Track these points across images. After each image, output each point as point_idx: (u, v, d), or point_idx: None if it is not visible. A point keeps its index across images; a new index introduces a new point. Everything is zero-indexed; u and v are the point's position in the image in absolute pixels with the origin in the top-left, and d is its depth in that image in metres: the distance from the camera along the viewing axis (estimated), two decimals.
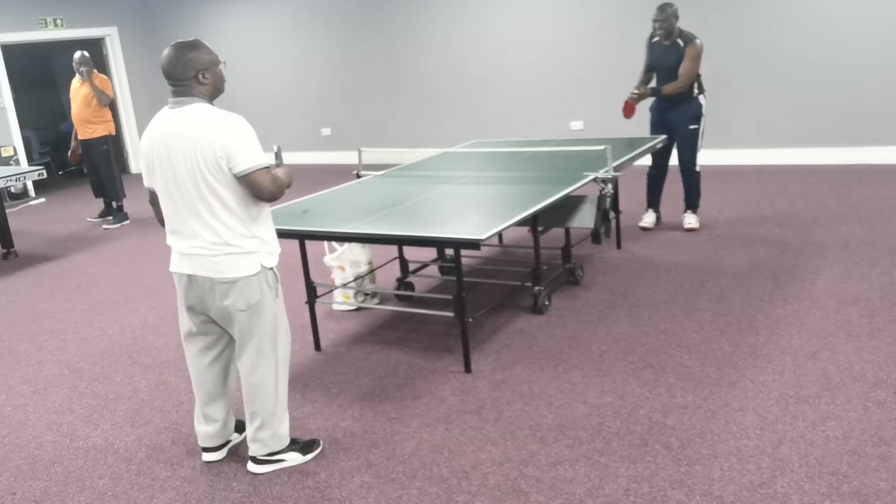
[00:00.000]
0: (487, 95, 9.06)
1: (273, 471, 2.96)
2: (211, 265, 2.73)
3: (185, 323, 2.94)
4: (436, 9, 9.12)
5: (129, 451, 3.23)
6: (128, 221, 7.92)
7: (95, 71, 7.60)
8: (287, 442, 2.99)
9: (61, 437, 3.41)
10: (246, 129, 2.65)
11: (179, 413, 3.54)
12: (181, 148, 2.63)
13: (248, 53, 10.62)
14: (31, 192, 9.99)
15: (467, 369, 3.68)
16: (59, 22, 10.31)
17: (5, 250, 6.87)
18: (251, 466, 2.97)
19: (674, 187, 6.84)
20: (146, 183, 2.85)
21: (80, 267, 6.35)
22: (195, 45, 2.68)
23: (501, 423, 3.17)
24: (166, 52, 2.67)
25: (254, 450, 2.95)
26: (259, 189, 2.66)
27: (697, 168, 5.64)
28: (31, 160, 10.59)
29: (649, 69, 5.69)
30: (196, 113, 2.64)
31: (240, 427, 3.20)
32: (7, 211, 7.13)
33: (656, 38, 5.56)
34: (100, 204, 8.38)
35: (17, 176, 6.76)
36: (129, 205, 8.14)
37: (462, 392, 3.47)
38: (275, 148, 3.01)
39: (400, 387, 3.59)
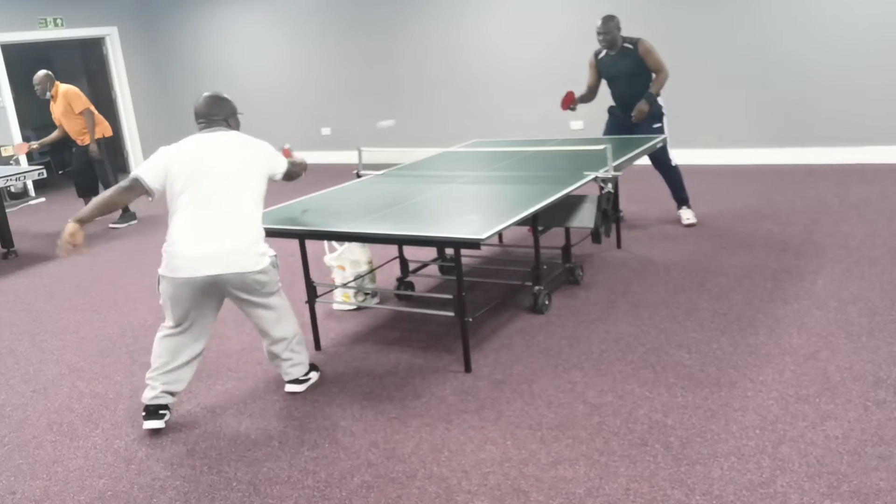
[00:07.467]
0: (487, 95, 9.06)
1: (306, 389, 3.58)
2: (243, 260, 3.18)
3: (179, 320, 3.31)
4: (436, 9, 9.12)
5: (129, 451, 3.24)
6: (135, 221, 7.91)
7: (58, 84, 7.43)
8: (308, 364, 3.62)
9: (61, 437, 3.41)
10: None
11: (179, 412, 3.54)
12: (232, 157, 3.24)
13: (248, 53, 10.63)
14: (31, 192, 9.99)
15: (467, 369, 3.68)
16: (59, 22, 10.31)
17: (5, 250, 6.87)
18: (291, 388, 3.57)
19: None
20: (154, 183, 3.24)
21: (80, 267, 6.36)
22: (225, 97, 3.44)
23: (501, 422, 3.17)
24: (202, 98, 3.38)
25: (296, 372, 3.54)
26: (296, 174, 3.68)
27: (674, 164, 5.71)
28: (31, 160, 10.59)
29: (594, 87, 5.82)
30: (236, 134, 3.36)
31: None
32: (7, 211, 7.13)
33: (603, 53, 5.68)
34: None
35: (17, 176, 6.77)
36: (130, 205, 8.12)
37: (462, 392, 3.47)
38: (286, 145, 3.80)
39: (400, 386, 3.59)
